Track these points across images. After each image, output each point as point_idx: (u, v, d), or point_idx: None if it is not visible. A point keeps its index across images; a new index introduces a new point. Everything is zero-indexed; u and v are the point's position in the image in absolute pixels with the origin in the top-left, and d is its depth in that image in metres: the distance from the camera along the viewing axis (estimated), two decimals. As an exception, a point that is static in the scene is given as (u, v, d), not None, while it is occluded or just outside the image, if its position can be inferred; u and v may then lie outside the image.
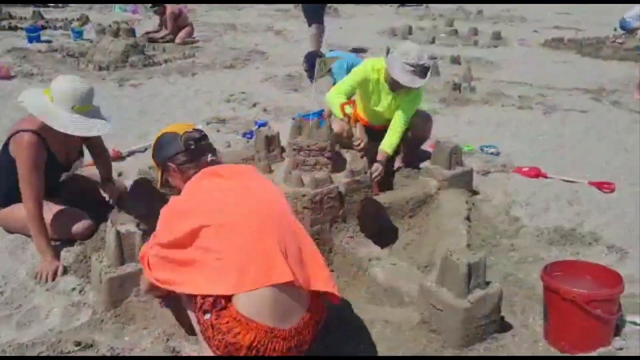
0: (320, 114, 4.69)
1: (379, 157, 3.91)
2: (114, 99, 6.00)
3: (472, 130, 5.28)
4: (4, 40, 9.03)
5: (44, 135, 2.97)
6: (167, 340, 2.34)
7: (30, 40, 8.97)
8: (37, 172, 2.93)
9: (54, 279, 2.77)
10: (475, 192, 3.96)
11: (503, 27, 11.88)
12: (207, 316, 1.99)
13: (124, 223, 2.76)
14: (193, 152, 2.31)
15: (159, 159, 2.38)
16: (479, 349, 2.43)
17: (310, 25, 7.97)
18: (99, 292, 2.62)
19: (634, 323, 2.60)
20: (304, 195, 2.92)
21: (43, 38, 9.23)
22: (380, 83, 4.03)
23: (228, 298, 1.99)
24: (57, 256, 2.89)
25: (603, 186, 4.04)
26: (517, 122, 5.57)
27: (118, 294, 2.55)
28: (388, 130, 4.07)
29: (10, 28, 10.12)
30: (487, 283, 2.50)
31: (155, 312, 2.48)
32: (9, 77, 6.61)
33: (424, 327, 2.48)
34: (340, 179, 3.08)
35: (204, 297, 2.00)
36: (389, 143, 3.96)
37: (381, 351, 2.39)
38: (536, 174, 4.24)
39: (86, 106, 2.97)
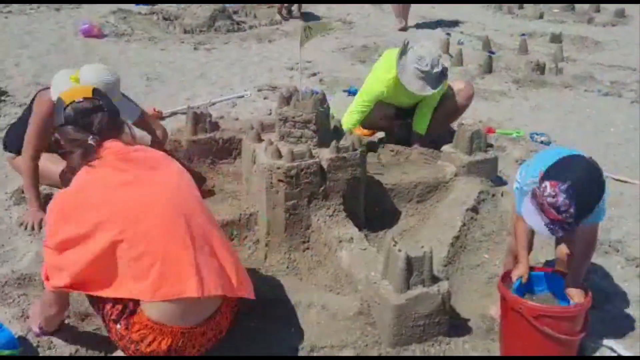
0: None
1: (413, 142, 3.82)
2: (181, 61, 6.21)
3: (534, 115, 4.80)
4: (114, 3, 9.66)
5: None
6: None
7: (138, 2, 9.53)
8: (45, 131, 2.98)
9: (39, 229, 2.93)
10: (502, 182, 3.61)
11: (633, 5, 10.57)
12: (118, 326, 1.93)
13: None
14: (76, 128, 2.00)
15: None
16: (415, 351, 2.23)
17: (395, -3, 7.80)
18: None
19: (611, 349, 2.24)
20: (278, 168, 2.82)
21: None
22: (397, 84, 3.75)
23: (137, 302, 1.91)
24: (43, 207, 3.04)
25: (658, 190, 3.50)
26: (592, 110, 4.98)
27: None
28: (417, 109, 3.85)
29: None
30: (437, 280, 2.28)
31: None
32: (100, 37, 7.07)
33: (361, 318, 2.33)
34: (325, 155, 2.94)
35: (113, 305, 1.92)
36: (420, 124, 3.85)
37: (310, 337, 2.28)
38: (583, 168, 3.76)
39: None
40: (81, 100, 2.02)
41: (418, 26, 8.26)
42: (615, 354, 2.22)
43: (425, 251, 2.20)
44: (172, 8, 9.12)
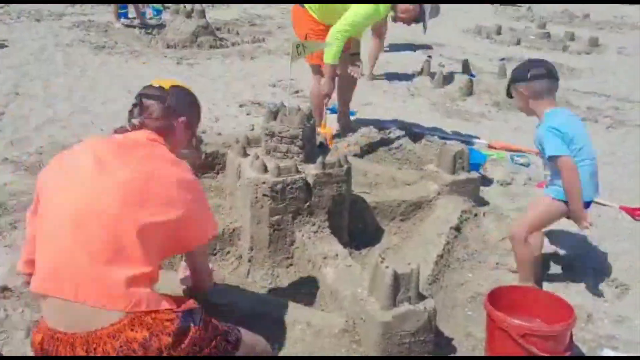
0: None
1: None
2: (163, 75, 6.18)
3: (514, 137, 4.87)
4: (95, 16, 9.60)
5: None
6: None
7: (119, 16, 9.48)
8: None
9: None
10: (484, 202, 3.64)
11: (606, 34, 10.90)
12: None
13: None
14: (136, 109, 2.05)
15: None
16: (400, 369, 2.21)
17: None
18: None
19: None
20: (264, 183, 2.81)
21: (132, 15, 9.71)
22: None
23: None
24: None
25: (635, 213, 3.57)
26: (570, 134, 5.06)
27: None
28: None
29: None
30: (423, 298, 2.27)
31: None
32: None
33: (346, 335, 2.30)
34: (310, 170, 2.93)
35: None
36: None
37: (295, 354, 2.25)
38: (562, 190, 3.82)
39: None
40: (147, 86, 2.08)
41: (399, 48, 8.38)
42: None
43: (413, 268, 2.20)
44: (153, 22, 9.12)
